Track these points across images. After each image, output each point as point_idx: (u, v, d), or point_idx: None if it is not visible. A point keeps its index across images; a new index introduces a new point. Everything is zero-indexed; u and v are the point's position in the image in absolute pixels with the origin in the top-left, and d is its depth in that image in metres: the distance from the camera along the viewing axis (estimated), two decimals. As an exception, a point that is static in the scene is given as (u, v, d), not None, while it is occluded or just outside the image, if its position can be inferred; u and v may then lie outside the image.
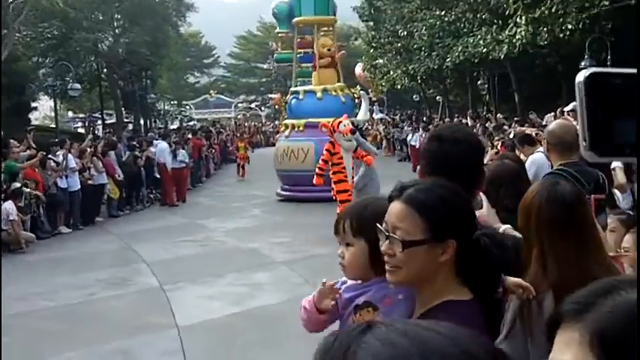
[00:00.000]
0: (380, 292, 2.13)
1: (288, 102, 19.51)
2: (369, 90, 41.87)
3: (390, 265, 1.88)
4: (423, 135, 23.09)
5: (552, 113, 16.65)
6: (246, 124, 52.53)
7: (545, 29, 20.39)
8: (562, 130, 4.49)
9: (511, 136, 14.43)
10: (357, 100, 19.36)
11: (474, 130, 19.56)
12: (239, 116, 63.65)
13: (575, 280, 2.16)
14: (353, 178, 13.08)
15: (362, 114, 17.38)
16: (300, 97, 19.07)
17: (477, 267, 1.91)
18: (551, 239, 2.31)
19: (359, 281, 2.19)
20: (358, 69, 44.12)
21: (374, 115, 38.13)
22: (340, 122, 13.10)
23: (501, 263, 2.04)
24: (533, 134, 10.25)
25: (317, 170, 13.19)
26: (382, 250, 1.89)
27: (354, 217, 2.17)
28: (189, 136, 25.08)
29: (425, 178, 2.38)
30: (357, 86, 42.75)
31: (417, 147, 23.98)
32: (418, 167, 2.50)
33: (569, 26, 19.55)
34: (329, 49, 19.94)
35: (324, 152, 13.09)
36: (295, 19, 20.56)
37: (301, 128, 18.42)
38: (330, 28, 21.78)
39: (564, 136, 4.40)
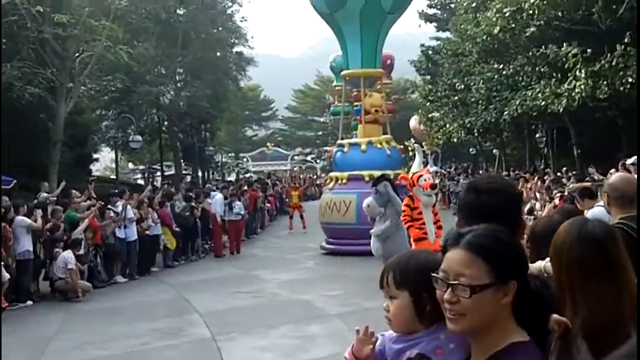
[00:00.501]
0: (431, 344, 2.11)
1: (333, 155, 19.42)
2: (424, 143, 41.86)
3: (453, 313, 1.87)
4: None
5: (614, 169, 16.19)
6: (301, 176, 52.87)
7: (605, 82, 20.09)
8: (624, 184, 4.39)
9: (565, 193, 14.12)
10: (411, 153, 19.22)
11: (528, 185, 19.30)
12: (295, 168, 64.17)
13: (607, 322, 2.12)
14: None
15: (415, 167, 17.24)
16: (345, 149, 19.08)
17: (530, 308, 1.92)
18: (582, 279, 2.23)
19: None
20: (413, 122, 44.13)
21: (428, 168, 37.83)
22: (421, 176, 12.50)
23: (548, 304, 2.08)
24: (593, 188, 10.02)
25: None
26: (444, 299, 1.87)
27: (398, 269, 2.18)
28: (245, 187, 25.28)
29: None
30: (412, 139, 42.84)
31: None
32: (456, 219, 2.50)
33: (630, 79, 19.25)
34: (376, 110, 19.86)
35: (404, 208, 12.19)
36: (343, 72, 20.65)
37: (344, 181, 18.38)
38: (384, 81, 21.72)
39: (626, 189, 4.30)
